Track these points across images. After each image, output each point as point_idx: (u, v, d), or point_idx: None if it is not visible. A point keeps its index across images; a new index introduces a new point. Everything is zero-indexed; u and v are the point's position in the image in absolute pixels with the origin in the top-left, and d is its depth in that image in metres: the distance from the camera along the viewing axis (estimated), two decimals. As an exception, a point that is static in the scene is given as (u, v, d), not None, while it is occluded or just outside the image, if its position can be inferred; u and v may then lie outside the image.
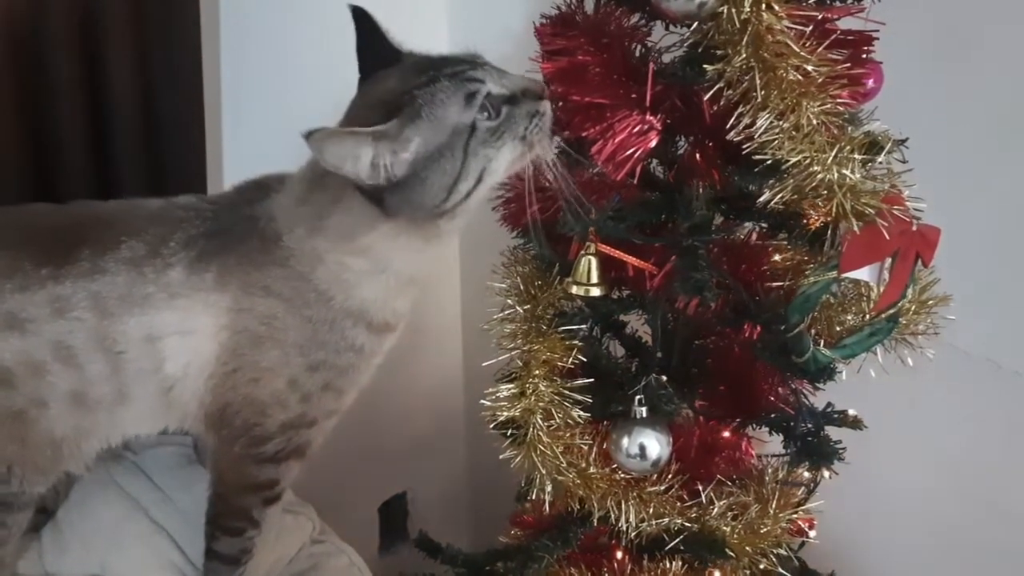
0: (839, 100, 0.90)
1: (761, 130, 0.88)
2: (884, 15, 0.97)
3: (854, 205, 0.91)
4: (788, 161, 0.88)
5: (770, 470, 1.23)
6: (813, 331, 1.07)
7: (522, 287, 1.14)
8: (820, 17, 0.92)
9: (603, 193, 1.07)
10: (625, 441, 1.06)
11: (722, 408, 1.18)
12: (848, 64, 0.90)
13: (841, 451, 1.19)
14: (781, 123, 0.87)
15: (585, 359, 1.13)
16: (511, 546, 1.27)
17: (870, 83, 1.00)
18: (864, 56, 0.98)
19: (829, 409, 1.23)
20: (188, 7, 1.30)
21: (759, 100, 0.87)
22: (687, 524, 1.13)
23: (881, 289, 0.98)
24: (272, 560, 1.22)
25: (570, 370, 1.14)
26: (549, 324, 1.12)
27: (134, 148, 1.36)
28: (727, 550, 1.12)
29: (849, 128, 0.93)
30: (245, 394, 0.97)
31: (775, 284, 1.05)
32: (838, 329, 1.07)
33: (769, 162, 0.89)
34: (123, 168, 1.36)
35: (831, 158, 0.88)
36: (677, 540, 1.12)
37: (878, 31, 0.96)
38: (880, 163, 0.95)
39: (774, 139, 0.88)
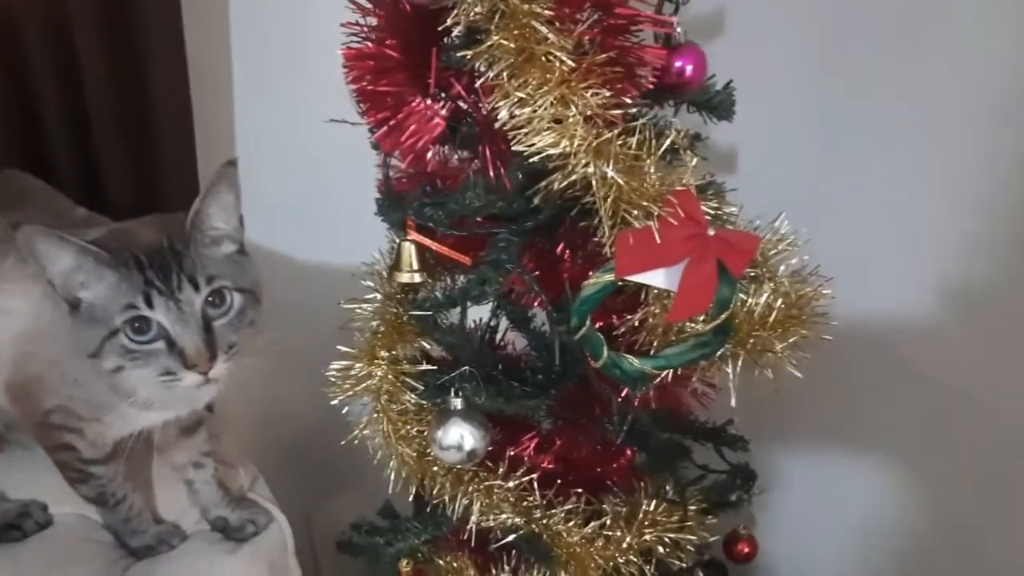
0: (615, 88, 0.84)
1: (508, 118, 0.83)
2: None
3: (617, 204, 0.84)
4: (545, 153, 0.84)
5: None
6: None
7: (383, 268, 1.15)
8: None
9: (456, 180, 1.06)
10: (439, 432, 1.05)
11: (572, 409, 1.13)
12: (614, 52, 0.83)
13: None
14: (525, 111, 0.82)
15: (442, 346, 1.13)
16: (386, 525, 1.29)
17: (688, 70, 0.91)
18: (676, 42, 0.90)
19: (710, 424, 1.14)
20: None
21: (507, 86, 0.83)
22: (526, 524, 1.10)
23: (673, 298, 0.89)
24: (186, 505, 1.33)
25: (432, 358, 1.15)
26: (402, 307, 1.13)
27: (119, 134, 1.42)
28: (552, 554, 1.07)
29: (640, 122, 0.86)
30: (36, 373, 1.08)
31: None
32: (672, 338, 0.99)
33: (526, 154, 0.85)
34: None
35: (584, 149, 0.82)
36: (510, 537, 1.10)
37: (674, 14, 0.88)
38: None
39: (525, 129, 0.83)
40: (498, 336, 1.25)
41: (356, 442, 1.14)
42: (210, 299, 0.97)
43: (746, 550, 1.35)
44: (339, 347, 1.10)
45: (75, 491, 1.17)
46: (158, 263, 0.94)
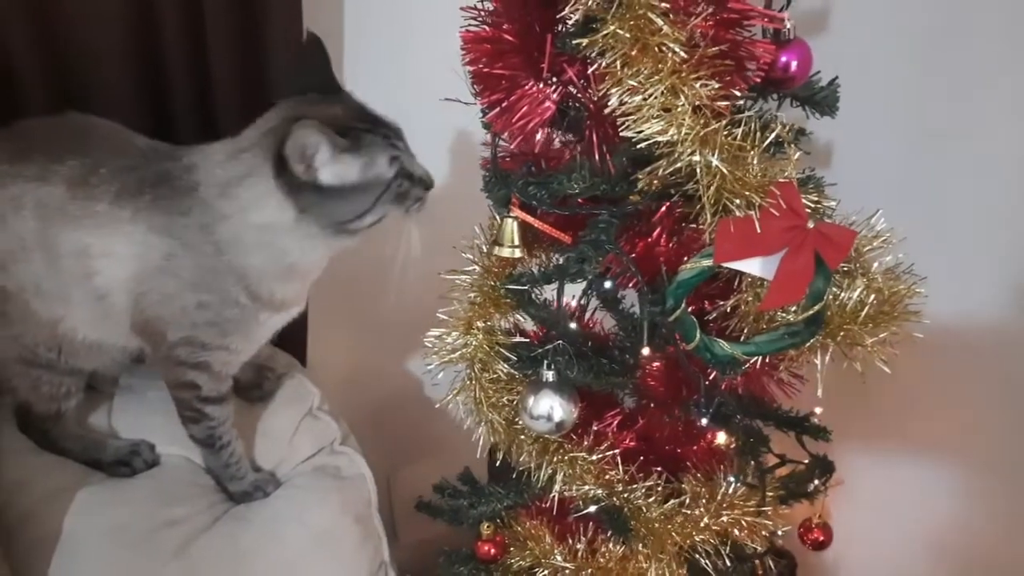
0: (724, 80, 0.87)
1: (618, 105, 0.87)
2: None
3: (719, 193, 0.87)
4: (652, 140, 0.87)
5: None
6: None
7: (483, 242, 1.20)
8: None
9: (559, 161, 1.10)
10: (531, 401, 1.09)
11: (663, 390, 1.16)
12: (725, 45, 0.86)
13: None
14: (635, 99, 0.86)
15: (535, 320, 1.18)
16: (470, 489, 1.34)
17: (794, 66, 0.93)
18: (786, 37, 0.92)
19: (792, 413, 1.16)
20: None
21: (619, 74, 0.86)
22: (607, 496, 1.14)
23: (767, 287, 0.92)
24: (283, 455, 1.41)
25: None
26: (499, 280, 1.18)
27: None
28: (630, 527, 1.11)
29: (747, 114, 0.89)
30: (156, 312, 1.14)
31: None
32: (763, 326, 1.02)
33: (634, 140, 0.88)
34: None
35: (691, 138, 0.85)
36: (591, 508, 1.14)
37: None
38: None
39: (634, 116, 0.87)
40: (586, 315, 1.29)
41: (437, 409, 1.20)
42: None
43: (821, 538, 1.37)
44: (439, 314, 1.16)
45: (186, 430, 1.25)
46: (388, 131, 1.10)
